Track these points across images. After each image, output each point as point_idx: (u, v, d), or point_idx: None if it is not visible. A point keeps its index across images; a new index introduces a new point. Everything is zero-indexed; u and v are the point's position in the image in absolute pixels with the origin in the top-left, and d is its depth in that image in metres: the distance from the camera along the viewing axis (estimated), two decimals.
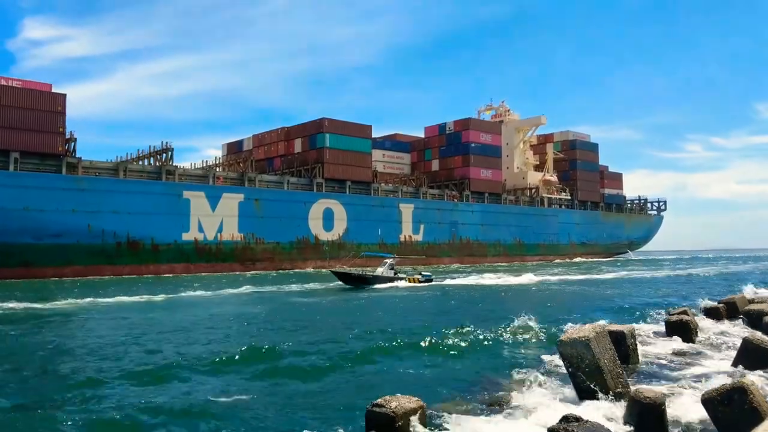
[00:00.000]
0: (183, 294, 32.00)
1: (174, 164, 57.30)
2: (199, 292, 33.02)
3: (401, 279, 36.46)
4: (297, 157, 70.55)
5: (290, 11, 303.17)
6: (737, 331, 16.66)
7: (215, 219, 57.75)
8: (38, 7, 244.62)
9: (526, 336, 16.26)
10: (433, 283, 37.48)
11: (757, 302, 19.10)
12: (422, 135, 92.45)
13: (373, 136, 74.75)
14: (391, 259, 38.07)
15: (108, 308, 25.31)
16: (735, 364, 12.40)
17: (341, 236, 66.73)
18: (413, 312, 24.50)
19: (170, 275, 51.78)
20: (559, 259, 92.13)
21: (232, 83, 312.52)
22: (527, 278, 44.24)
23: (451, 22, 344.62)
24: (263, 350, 14.30)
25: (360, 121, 78.11)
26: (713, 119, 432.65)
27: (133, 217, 51.90)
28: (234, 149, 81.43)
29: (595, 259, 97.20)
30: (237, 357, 13.39)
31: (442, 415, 8.87)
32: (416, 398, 7.91)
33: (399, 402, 7.69)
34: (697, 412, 8.99)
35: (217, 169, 69.37)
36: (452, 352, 14.07)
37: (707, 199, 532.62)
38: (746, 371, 11.54)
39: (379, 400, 7.73)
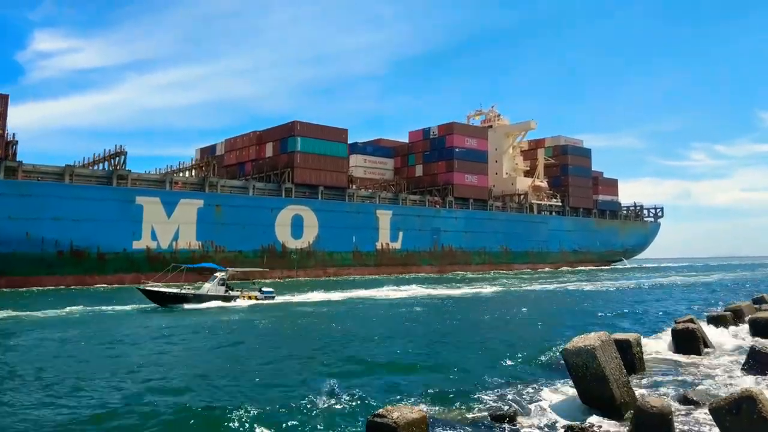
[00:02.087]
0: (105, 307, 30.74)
1: (127, 169, 56.75)
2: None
3: (235, 297, 34.11)
4: (267, 162, 70.48)
5: (296, 21, 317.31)
6: (744, 340, 17.44)
7: (171, 226, 57.13)
8: (47, 20, 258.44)
9: (528, 345, 16.78)
10: (275, 300, 35.39)
11: (764, 310, 20.00)
12: (407, 140, 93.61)
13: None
14: (222, 273, 35.29)
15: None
16: (744, 370, 13.10)
17: (311, 244, 66.73)
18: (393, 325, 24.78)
19: (115, 286, 50.94)
20: (549, 267, 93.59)
21: (239, 92, 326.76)
22: (411, 292, 42.84)
23: (456, 30, 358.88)
24: (256, 361, 14.51)
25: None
26: (717, 127, 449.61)
27: (78, 224, 51.05)
28: (207, 154, 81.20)
29: (586, 267, 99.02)
30: (229, 368, 13.57)
31: (445, 426, 9.23)
32: (418, 408, 8.23)
33: (401, 412, 7.99)
34: (705, 422, 9.55)
35: (180, 174, 68.79)
36: (451, 363, 14.46)
37: (712, 206, 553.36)
38: (756, 376, 12.24)
39: (380, 411, 8.04)
